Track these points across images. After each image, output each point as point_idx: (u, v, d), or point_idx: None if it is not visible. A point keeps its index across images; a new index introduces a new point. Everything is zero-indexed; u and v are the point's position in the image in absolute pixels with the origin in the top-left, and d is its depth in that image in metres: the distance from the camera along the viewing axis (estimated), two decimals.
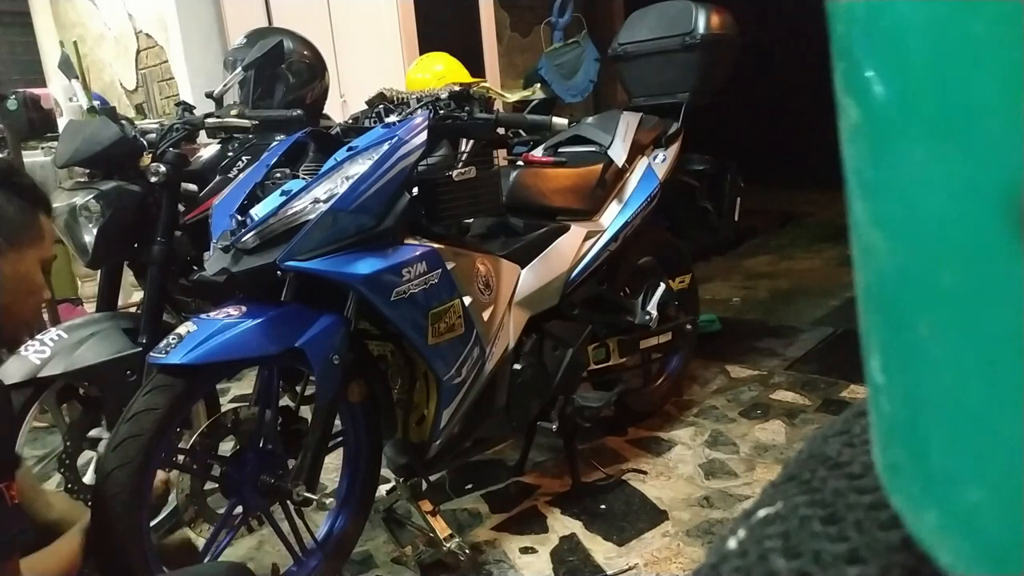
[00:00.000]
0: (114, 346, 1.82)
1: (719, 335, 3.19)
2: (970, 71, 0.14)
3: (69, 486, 1.78)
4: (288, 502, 1.57)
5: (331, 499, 1.56)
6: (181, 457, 1.52)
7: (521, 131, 2.08)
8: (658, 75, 2.53)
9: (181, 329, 1.46)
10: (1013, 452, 0.14)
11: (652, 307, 2.33)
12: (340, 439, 1.75)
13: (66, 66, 2.47)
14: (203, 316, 1.50)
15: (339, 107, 3.29)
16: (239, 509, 1.56)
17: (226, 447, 1.59)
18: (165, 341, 1.46)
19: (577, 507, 2.03)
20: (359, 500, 1.76)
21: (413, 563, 1.82)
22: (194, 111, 2.12)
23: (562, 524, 1.97)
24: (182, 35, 3.97)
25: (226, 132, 2.06)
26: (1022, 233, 0.14)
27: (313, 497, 1.51)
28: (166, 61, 4.19)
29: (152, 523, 1.98)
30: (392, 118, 1.69)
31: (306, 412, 1.62)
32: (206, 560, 1.54)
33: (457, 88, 1.75)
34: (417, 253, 1.59)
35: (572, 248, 2.04)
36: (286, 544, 1.67)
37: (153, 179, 1.91)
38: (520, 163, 2.14)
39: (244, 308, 1.51)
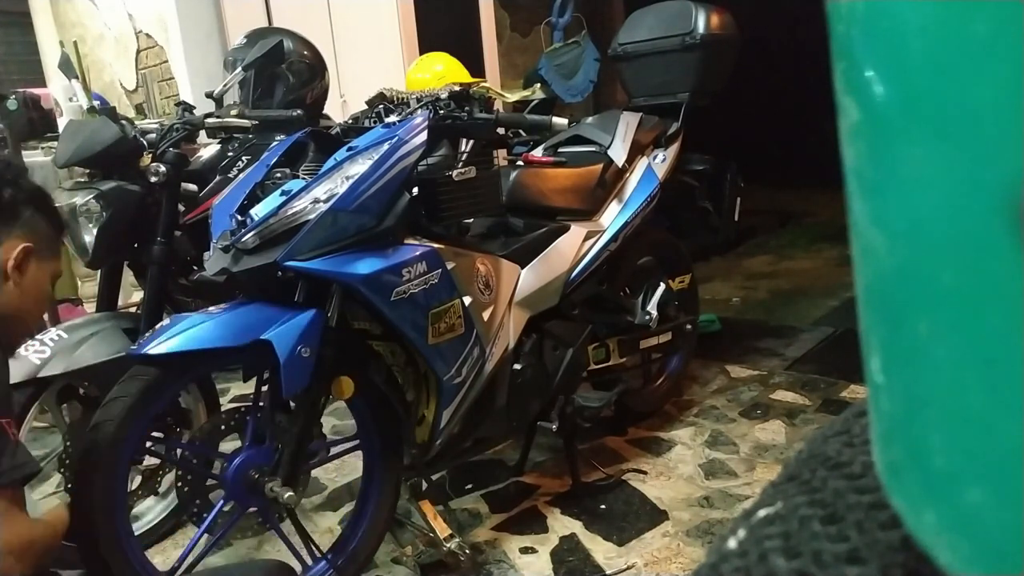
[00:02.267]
0: (114, 346, 1.82)
1: (719, 335, 3.18)
2: (970, 71, 0.14)
3: (69, 486, 1.78)
4: (276, 501, 1.56)
5: (291, 493, 1.52)
6: (179, 452, 1.53)
7: (521, 131, 2.08)
8: (658, 75, 2.53)
9: (158, 325, 1.51)
10: (1013, 452, 0.14)
11: (652, 307, 2.32)
12: (357, 442, 1.76)
13: (66, 66, 2.47)
14: (183, 314, 1.54)
15: (339, 107, 3.29)
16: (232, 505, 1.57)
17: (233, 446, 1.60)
18: (143, 336, 1.51)
19: (577, 507, 2.03)
20: (372, 506, 1.74)
21: (413, 563, 1.82)
22: (194, 111, 2.12)
23: (562, 524, 1.97)
24: (182, 35, 3.97)
25: (226, 132, 2.06)
26: (1022, 233, 0.14)
27: (279, 491, 1.50)
28: (166, 61, 4.20)
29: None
30: (392, 118, 1.69)
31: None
32: (201, 557, 1.54)
33: (457, 88, 1.75)
34: (417, 253, 1.59)
35: (572, 248, 2.04)
36: (288, 545, 1.66)
37: (153, 179, 1.91)
38: (520, 163, 2.14)
39: (224, 305, 1.53)
